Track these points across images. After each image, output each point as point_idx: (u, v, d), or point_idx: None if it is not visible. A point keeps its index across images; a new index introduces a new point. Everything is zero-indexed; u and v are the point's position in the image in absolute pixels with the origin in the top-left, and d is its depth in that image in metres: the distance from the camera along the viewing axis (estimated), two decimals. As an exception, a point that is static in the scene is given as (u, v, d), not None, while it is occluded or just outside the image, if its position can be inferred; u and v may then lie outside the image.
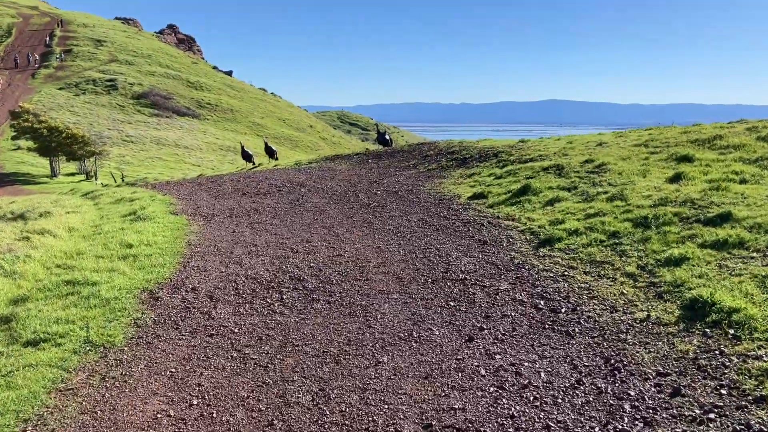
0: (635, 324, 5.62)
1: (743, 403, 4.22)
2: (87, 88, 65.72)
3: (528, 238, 8.59)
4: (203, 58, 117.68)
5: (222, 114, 71.98)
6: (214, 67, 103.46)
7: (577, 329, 5.66)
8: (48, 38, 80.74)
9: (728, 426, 4.03)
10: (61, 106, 57.53)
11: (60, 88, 64.14)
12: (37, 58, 72.76)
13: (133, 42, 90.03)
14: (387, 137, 23.67)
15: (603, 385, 4.72)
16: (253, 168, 24.18)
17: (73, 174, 39.54)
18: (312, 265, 8.02)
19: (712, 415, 4.17)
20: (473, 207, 10.81)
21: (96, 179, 37.28)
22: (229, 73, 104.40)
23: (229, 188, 16.21)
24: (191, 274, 7.83)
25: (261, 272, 7.80)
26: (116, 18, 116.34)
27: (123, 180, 31.74)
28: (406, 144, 21.03)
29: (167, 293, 7.13)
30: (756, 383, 4.39)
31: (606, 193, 9.67)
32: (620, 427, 4.18)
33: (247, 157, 25.13)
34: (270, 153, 25.07)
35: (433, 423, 4.37)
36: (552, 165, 12.19)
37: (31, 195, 23.53)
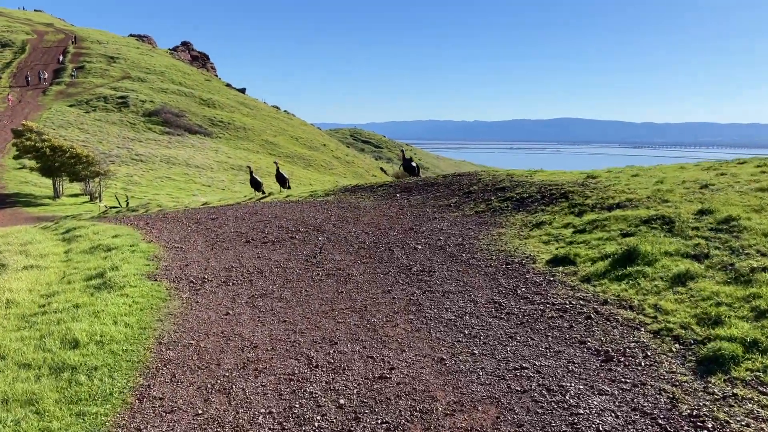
0: None
1: None
2: (98, 106, 64.07)
3: (674, 349, 5.53)
4: (217, 76, 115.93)
5: (234, 132, 69.79)
6: (228, 85, 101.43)
7: None
8: (61, 55, 79.54)
9: None
10: (70, 123, 55.65)
11: (71, 105, 62.41)
12: (47, 75, 71.10)
13: (147, 59, 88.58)
14: (413, 164, 20.73)
15: None
16: (262, 198, 21.30)
17: (77, 195, 37.88)
18: (341, 402, 4.97)
19: None
20: (560, 279, 7.77)
21: (100, 201, 35.25)
22: (243, 91, 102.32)
23: (230, 230, 13.28)
24: (146, 419, 4.83)
25: (260, 419, 4.77)
26: (131, 35, 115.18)
27: (127, 203, 29.18)
28: (440, 175, 18.03)
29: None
30: None
31: (767, 270, 6.60)
32: None
33: (256, 185, 22.23)
34: (282, 181, 22.17)
35: None
36: (654, 216, 9.12)
37: (11, 228, 20.71)
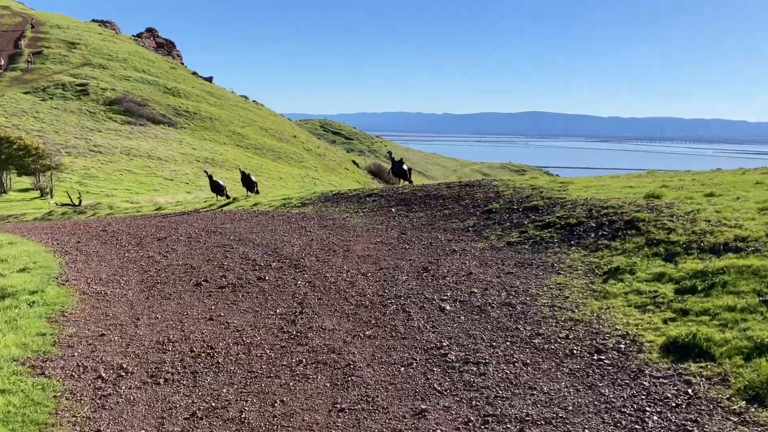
0: None
1: None
2: (55, 93, 59.95)
3: None
4: (183, 63, 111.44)
5: (200, 122, 65.98)
6: (194, 73, 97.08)
7: None
8: (18, 39, 74.99)
9: None
10: (25, 111, 51.74)
11: (26, 93, 58.31)
12: (2, 62, 66.68)
13: (109, 45, 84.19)
14: (405, 167, 17.57)
15: None
16: (225, 204, 17.98)
17: (27, 190, 34.81)
18: None
19: None
20: (706, 394, 4.63)
21: (51, 197, 32.30)
22: (210, 80, 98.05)
23: (178, 260, 10.02)
24: None
25: None
26: (93, 20, 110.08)
27: (80, 201, 25.90)
28: (443, 183, 14.81)
29: None
30: None
31: None
32: None
33: (217, 189, 18.86)
34: (249, 185, 18.81)
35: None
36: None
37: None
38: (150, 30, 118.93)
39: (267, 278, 8.60)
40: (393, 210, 12.93)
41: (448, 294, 7.27)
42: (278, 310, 7.19)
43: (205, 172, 19.51)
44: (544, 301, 6.77)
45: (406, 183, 17.52)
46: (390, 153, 18.94)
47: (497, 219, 10.44)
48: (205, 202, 20.02)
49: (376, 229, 11.35)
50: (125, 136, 53.07)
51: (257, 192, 19.37)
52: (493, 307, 6.74)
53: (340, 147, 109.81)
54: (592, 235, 8.63)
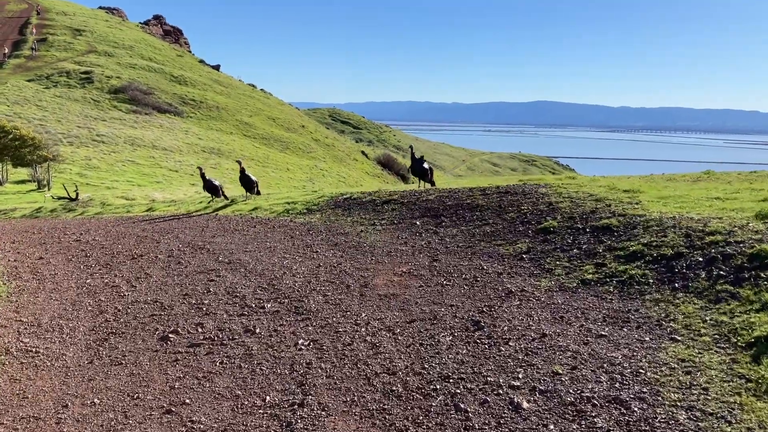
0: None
1: None
2: (59, 81, 58.06)
3: None
4: (190, 51, 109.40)
5: (207, 111, 63.86)
6: (201, 61, 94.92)
7: None
8: (23, 26, 73.60)
9: None
10: (27, 100, 49.85)
11: (29, 80, 56.45)
12: (6, 50, 64.88)
13: (115, 32, 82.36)
14: (426, 166, 15.18)
15: None
16: (222, 207, 15.69)
17: (24, 182, 33.52)
18: None
19: None
20: None
21: (49, 189, 30.77)
22: (217, 68, 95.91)
23: (148, 293, 7.72)
24: None
25: None
26: (100, 7, 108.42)
27: (76, 194, 23.93)
28: (477, 188, 12.35)
29: None
30: None
31: None
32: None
33: (212, 189, 16.52)
34: (248, 185, 16.43)
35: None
36: None
37: None
38: (157, 17, 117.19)
39: (257, 330, 6.28)
40: (417, 223, 10.58)
41: (520, 375, 4.90)
42: (268, 398, 4.86)
43: (200, 169, 17.17)
44: (673, 396, 4.40)
45: (428, 185, 15.19)
46: (411, 148, 16.58)
47: (558, 243, 8.06)
48: (200, 203, 17.73)
49: (400, 251, 8.99)
50: (130, 125, 51.07)
51: (258, 193, 17.02)
52: (594, 405, 4.37)
53: (349, 137, 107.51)
54: (703, 275, 6.24)
